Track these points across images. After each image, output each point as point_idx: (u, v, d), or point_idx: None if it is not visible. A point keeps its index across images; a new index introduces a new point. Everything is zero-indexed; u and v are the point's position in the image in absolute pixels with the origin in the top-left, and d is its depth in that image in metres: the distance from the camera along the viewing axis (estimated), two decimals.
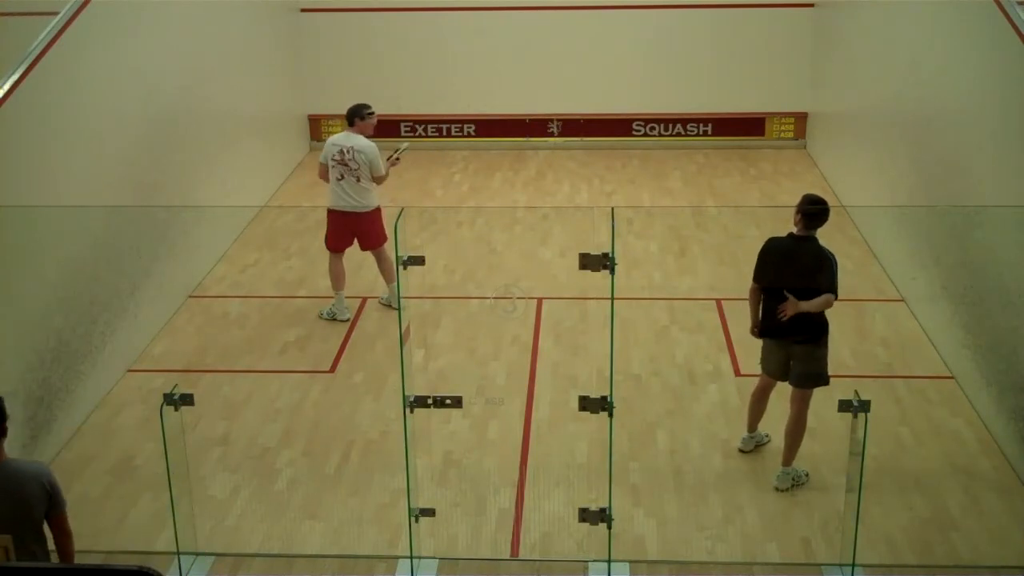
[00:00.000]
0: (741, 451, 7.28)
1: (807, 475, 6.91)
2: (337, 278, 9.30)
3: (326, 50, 13.96)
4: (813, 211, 6.68)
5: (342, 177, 9.06)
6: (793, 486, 6.83)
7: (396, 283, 8.59)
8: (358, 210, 9.15)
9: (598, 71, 13.91)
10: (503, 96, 14.07)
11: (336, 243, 9.28)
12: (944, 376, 8.19)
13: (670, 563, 6.25)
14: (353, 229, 9.24)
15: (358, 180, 9.05)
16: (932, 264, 8.73)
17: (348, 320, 9.23)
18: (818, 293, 6.64)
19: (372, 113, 9.16)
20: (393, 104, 14.04)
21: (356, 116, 9.12)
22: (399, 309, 6.11)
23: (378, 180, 9.15)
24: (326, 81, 13.98)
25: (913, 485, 6.88)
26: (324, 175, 9.20)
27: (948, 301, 8.32)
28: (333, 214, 9.23)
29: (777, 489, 6.82)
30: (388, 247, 9.16)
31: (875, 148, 10.66)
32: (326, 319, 9.24)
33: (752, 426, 7.30)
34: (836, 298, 6.66)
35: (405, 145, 9.55)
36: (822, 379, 6.83)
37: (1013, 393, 7.10)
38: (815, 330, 6.76)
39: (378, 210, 9.23)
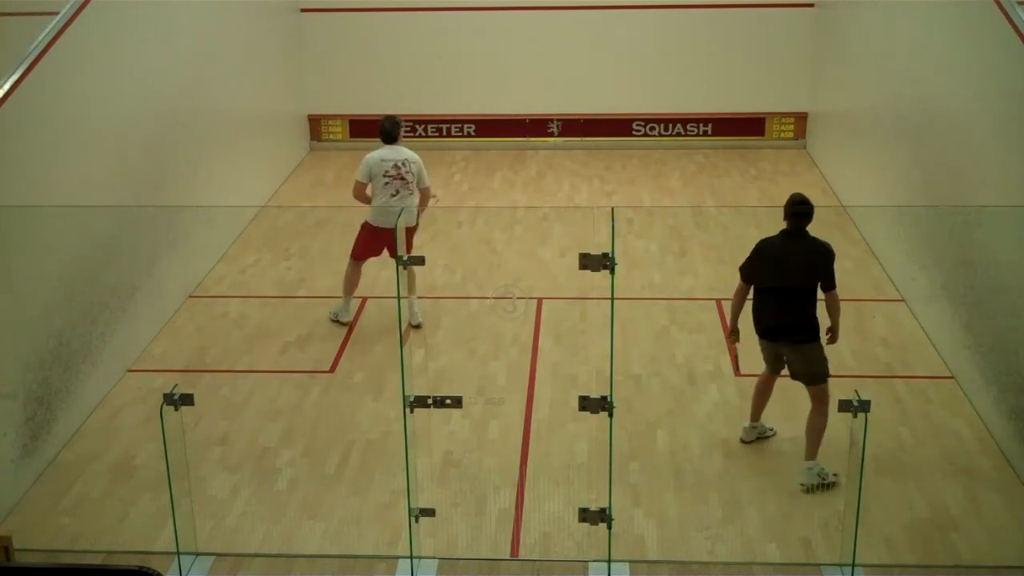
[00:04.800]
0: (743, 441, 7.30)
1: (836, 476, 6.83)
2: (351, 284, 9.10)
3: (326, 50, 13.96)
4: (800, 211, 6.78)
5: (397, 192, 8.74)
6: (821, 484, 6.80)
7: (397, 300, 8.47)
8: (409, 224, 8.83)
9: (598, 71, 13.91)
10: (503, 96, 14.07)
11: (365, 254, 9.04)
12: (944, 376, 8.19)
13: (670, 563, 6.25)
14: (390, 241, 8.77)
15: (411, 193, 8.78)
16: (932, 264, 8.73)
17: (347, 323, 9.16)
18: (812, 290, 6.76)
19: (401, 126, 8.97)
20: (393, 104, 14.01)
21: (399, 128, 8.85)
22: (399, 309, 6.08)
23: (425, 192, 8.91)
24: (326, 81, 13.99)
25: (913, 485, 6.88)
26: (363, 194, 8.79)
27: (948, 301, 8.32)
28: (372, 229, 8.89)
29: (803, 486, 6.81)
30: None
31: (875, 148, 10.66)
32: (332, 320, 9.20)
33: (754, 415, 7.35)
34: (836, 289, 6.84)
35: None
36: (820, 375, 6.87)
37: (1013, 393, 7.10)
38: (807, 331, 6.81)
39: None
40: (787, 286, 6.79)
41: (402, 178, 8.74)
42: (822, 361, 6.85)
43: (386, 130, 8.83)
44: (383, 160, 8.74)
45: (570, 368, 8.42)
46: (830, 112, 12.87)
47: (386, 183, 8.73)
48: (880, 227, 10.34)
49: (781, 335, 6.86)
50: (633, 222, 11.37)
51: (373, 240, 8.92)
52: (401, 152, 8.79)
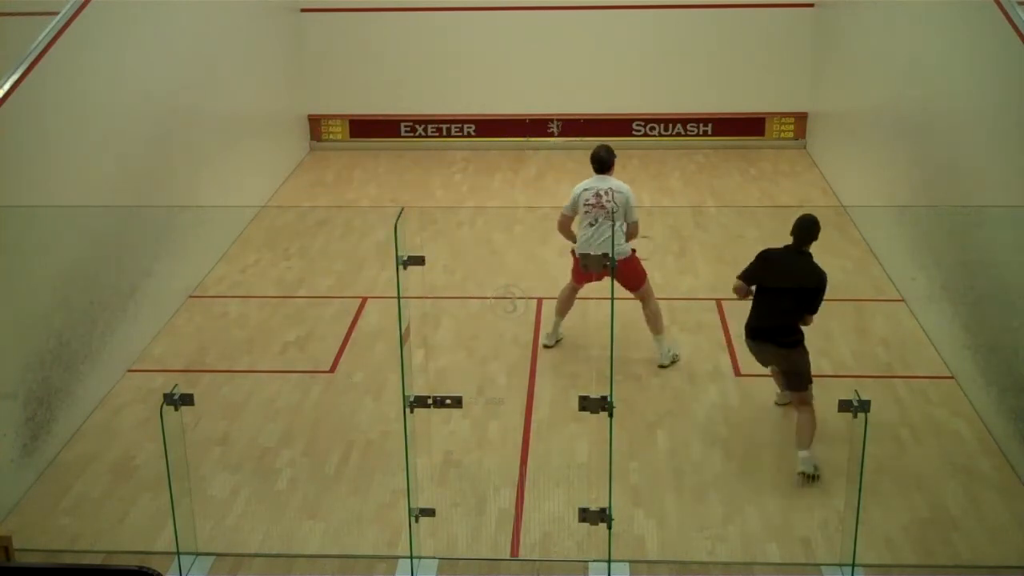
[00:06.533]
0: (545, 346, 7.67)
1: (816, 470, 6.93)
2: (563, 304, 8.66)
3: (326, 50, 13.96)
4: (806, 226, 7.06)
5: (596, 222, 8.25)
6: (814, 475, 6.86)
7: (663, 335, 8.41)
8: (617, 256, 8.21)
9: (598, 71, 13.91)
10: (503, 96, 14.07)
11: (582, 279, 8.48)
12: (944, 376, 8.19)
13: (670, 563, 6.25)
14: (601, 272, 8.25)
15: (612, 224, 8.19)
16: (932, 264, 8.73)
17: (551, 347, 8.66)
18: (806, 305, 6.99)
19: (615, 156, 8.52)
20: (393, 104, 14.07)
21: (613, 158, 8.42)
22: (399, 309, 6.02)
23: (632, 227, 8.34)
24: (326, 81, 13.99)
25: (913, 485, 6.88)
26: (566, 225, 8.42)
27: (948, 301, 8.32)
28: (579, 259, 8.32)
29: (802, 473, 6.89)
30: (651, 292, 8.49)
31: (875, 148, 10.66)
32: (546, 345, 8.70)
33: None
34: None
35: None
36: (801, 380, 7.00)
37: (1013, 393, 7.10)
38: (790, 337, 7.02)
39: (633, 257, 8.35)
40: (782, 293, 7.01)
41: (602, 207, 8.24)
42: (803, 368, 7.02)
43: (599, 157, 8.43)
44: (586, 189, 8.34)
45: (570, 368, 8.42)
46: (830, 112, 12.87)
47: (586, 211, 8.29)
48: (880, 227, 10.34)
49: (765, 338, 7.11)
50: None
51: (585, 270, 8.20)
52: (607, 181, 8.35)
